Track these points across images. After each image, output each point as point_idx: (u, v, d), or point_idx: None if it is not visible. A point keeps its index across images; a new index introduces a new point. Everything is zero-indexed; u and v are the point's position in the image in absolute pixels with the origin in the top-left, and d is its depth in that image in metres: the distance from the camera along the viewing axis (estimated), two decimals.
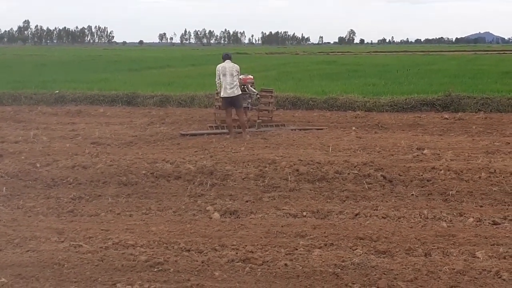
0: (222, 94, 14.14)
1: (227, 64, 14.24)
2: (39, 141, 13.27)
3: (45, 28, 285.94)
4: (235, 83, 14.12)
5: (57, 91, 21.46)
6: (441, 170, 9.91)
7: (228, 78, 14.03)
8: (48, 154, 11.56)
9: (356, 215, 7.90)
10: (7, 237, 7.00)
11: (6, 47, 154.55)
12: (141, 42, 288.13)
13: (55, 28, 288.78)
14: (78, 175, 9.88)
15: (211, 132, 14.70)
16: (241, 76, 14.98)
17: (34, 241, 6.85)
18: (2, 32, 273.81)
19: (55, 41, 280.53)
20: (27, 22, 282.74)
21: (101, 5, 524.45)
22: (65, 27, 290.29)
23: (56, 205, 8.52)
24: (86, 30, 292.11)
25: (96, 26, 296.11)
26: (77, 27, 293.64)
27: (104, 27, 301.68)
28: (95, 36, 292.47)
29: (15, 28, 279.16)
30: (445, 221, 7.64)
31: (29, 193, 9.11)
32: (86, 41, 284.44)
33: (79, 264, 6.13)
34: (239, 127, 14.41)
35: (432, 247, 6.60)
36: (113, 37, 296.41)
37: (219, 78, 14.19)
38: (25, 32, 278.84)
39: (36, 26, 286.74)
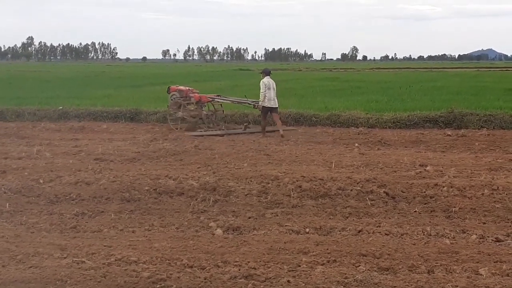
0: (266, 104, 17.19)
1: (270, 79, 17.44)
2: (42, 157, 13.29)
3: (48, 45, 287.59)
4: (275, 96, 17.39)
5: (61, 107, 21.54)
6: (444, 187, 9.90)
7: (272, 91, 17.26)
8: (51, 170, 11.57)
9: (359, 231, 7.89)
10: (10, 253, 7.00)
11: (9, 63, 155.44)
12: (144, 58, 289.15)
13: (59, 45, 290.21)
14: (81, 191, 9.89)
15: (213, 133, 17.33)
16: (193, 94, 18.58)
17: (37, 257, 6.85)
18: (6, 48, 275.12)
19: (58, 58, 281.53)
20: (30, 38, 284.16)
21: (104, 22, 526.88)
22: (68, 44, 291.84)
23: (59, 221, 8.52)
24: (89, 47, 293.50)
25: (99, 43, 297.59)
26: (80, 44, 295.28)
27: (108, 44, 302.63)
28: (99, 53, 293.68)
29: (18, 45, 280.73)
30: (448, 238, 7.64)
31: (32, 209, 9.12)
32: (90, 57, 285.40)
33: (81, 280, 6.13)
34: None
35: (435, 264, 6.59)
36: (116, 53, 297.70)
37: (265, 90, 17.12)
38: (29, 48, 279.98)
39: (40, 42, 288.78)
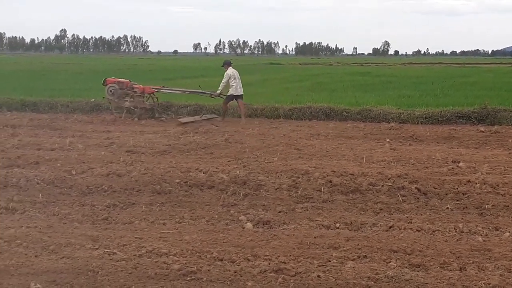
0: (234, 93, 18.95)
1: (234, 70, 19.25)
2: (74, 149, 13.40)
3: (81, 37, 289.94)
4: (241, 84, 19.17)
5: (93, 100, 21.70)
6: (476, 183, 9.79)
7: (238, 80, 19.00)
8: (83, 162, 11.67)
9: (390, 227, 7.84)
10: (43, 243, 7.08)
11: (43, 56, 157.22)
12: (175, 51, 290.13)
13: (91, 37, 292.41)
14: (112, 183, 9.97)
15: (203, 118, 18.92)
16: (136, 86, 19.85)
17: (69, 248, 6.92)
18: (39, 40, 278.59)
19: (91, 50, 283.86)
20: (64, 31, 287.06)
21: (136, 15, 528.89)
22: (101, 36, 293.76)
23: (91, 212, 8.60)
24: (121, 40, 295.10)
25: (131, 36, 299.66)
26: (113, 36, 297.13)
27: (139, 37, 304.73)
28: (131, 45, 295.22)
29: (52, 37, 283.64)
30: (481, 235, 7.55)
31: (64, 200, 9.21)
32: (122, 50, 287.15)
33: (113, 271, 6.18)
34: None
35: (467, 262, 6.52)
36: (148, 46, 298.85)
37: (227, 81, 18.95)
38: (62, 41, 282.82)
39: (73, 35, 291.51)
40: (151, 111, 19.85)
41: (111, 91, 19.73)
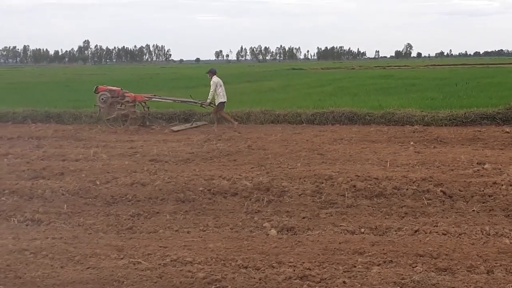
0: (222, 100, 19.42)
1: (218, 78, 19.66)
2: (99, 159, 13.48)
3: (104, 48, 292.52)
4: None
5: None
6: (503, 185, 9.68)
7: (223, 87, 19.59)
8: (107, 172, 11.74)
9: (416, 231, 7.77)
10: (68, 254, 7.13)
11: (67, 67, 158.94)
12: (197, 59, 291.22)
13: (114, 48, 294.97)
14: (137, 192, 10.01)
15: (195, 126, 19.36)
16: (128, 94, 20.03)
17: (94, 258, 6.96)
18: (63, 52, 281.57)
19: (114, 60, 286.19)
20: (87, 42, 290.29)
21: (158, 25, 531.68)
22: (124, 46, 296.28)
23: (116, 222, 8.64)
24: (144, 49, 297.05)
25: (154, 45, 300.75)
26: (135, 46, 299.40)
27: (162, 46, 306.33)
28: (153, 55, 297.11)
29: (75, 48, 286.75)
30: (508, 237, 7.46)
31: (89, 210, 9.27)
32: (144, 59, 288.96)
33: (138, 281, 6.20)
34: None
35: (495, 264, 6.45)
36: (170, 55, 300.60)
37: (215, 89, 19.27)
38: (85, 51, 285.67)
39: (96, 45, 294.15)
40: (142, 119, 20.05)
41: (102, 99, 19.98)
